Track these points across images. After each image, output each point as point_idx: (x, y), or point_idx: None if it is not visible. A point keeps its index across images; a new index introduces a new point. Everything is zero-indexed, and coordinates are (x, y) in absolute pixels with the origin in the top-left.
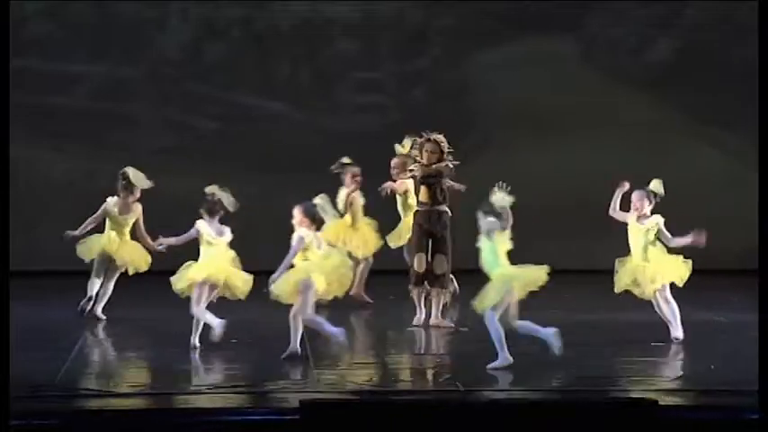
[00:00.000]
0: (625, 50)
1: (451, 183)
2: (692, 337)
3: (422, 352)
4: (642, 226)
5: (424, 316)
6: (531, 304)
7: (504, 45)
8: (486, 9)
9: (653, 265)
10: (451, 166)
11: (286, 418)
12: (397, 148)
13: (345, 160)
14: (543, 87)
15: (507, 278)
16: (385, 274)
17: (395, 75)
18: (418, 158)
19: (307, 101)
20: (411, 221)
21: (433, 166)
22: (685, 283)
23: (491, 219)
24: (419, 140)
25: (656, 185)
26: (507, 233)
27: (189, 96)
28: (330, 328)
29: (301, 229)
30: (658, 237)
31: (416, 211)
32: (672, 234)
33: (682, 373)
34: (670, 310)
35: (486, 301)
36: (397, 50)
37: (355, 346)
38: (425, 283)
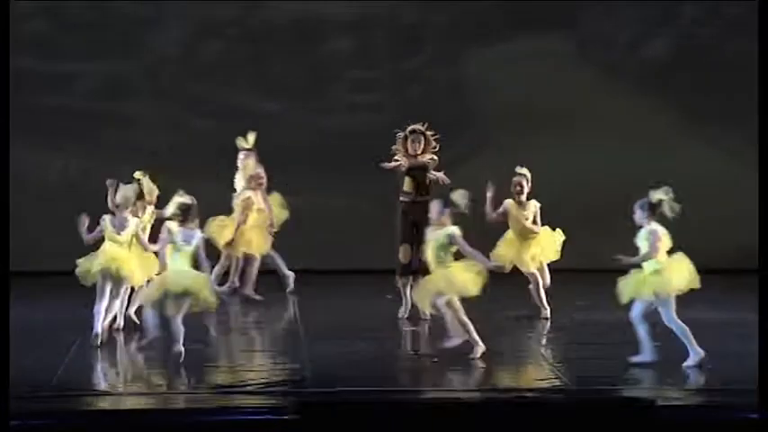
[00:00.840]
0: (622, 49)
1: (436, 174)
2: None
3: (419, 351)
4: (434, 236)
5: (410, 306)
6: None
7: (499, 43)
8: (481, 7)
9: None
10: (435, 158)
11: (286, 418)
12: (240, 142)
13: (521, 170)
14: (539, 85)
15: (162, 279)
16: (382, 273)
17: (390, 73)
18: (400, 150)
19: (302, 99)
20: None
21: (419, 157)
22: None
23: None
24: (403, 133)
25: (455, 196)
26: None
27: (185, 95)
28: (98, 325)
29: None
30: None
31: (402, 201)
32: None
33: (680, 372)
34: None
35: (147, 301)
36: (393, 49)
37: (356, 345)
38: (412, 273)
